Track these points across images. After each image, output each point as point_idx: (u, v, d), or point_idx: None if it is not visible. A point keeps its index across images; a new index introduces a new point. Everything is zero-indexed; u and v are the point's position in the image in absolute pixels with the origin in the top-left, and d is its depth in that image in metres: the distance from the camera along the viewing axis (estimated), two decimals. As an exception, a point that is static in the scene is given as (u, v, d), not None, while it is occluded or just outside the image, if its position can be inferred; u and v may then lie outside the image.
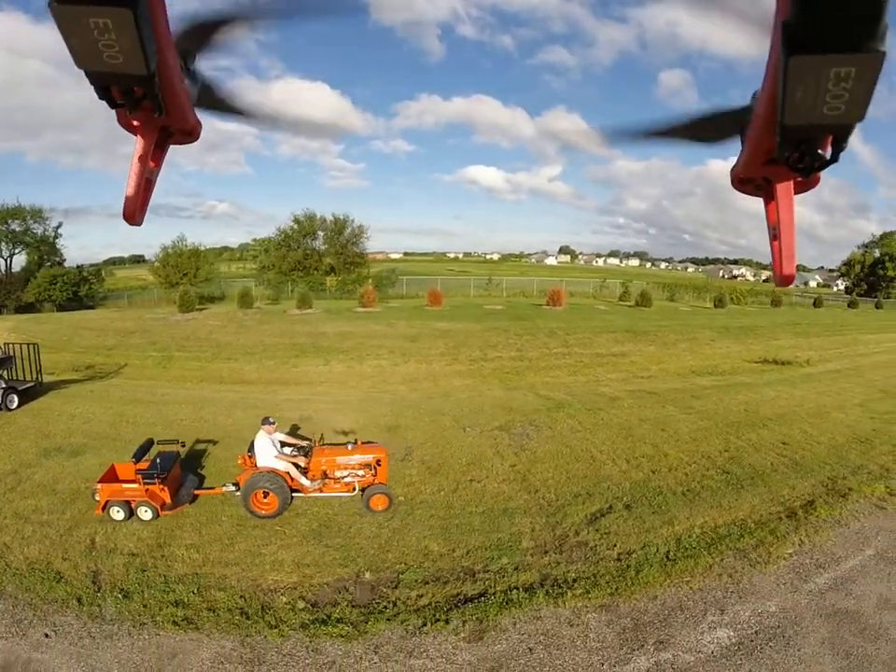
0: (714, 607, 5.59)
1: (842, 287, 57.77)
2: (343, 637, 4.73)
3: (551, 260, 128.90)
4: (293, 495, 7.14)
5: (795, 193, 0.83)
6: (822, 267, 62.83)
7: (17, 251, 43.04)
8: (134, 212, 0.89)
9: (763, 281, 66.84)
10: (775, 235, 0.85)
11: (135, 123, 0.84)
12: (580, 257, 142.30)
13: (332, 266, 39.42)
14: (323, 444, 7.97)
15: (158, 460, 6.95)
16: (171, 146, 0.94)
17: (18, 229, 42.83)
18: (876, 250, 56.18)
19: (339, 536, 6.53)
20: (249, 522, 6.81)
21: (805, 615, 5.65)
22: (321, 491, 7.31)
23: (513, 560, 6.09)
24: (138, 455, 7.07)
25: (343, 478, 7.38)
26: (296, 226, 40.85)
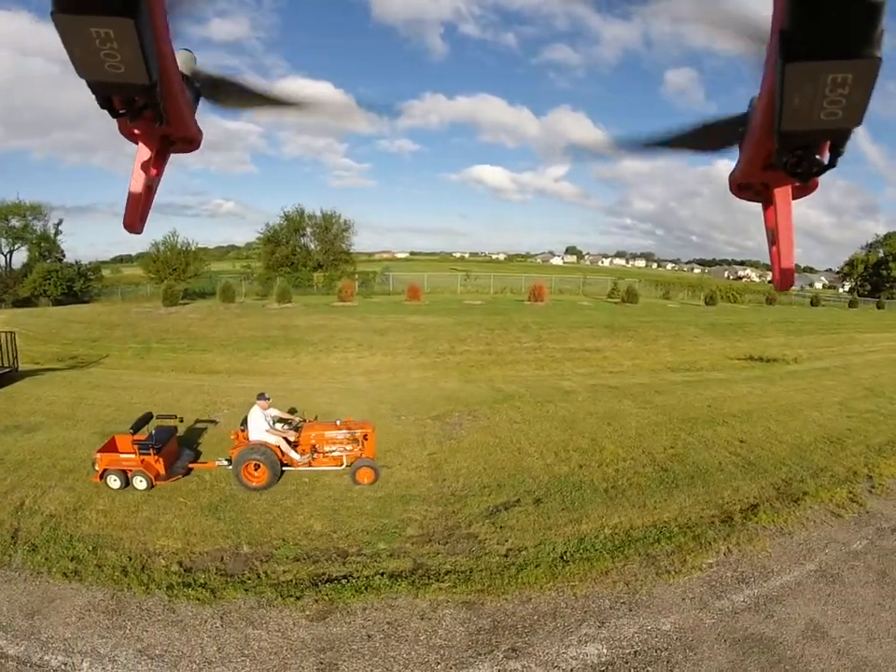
0: (594, 618, 4.82)
1: (847, 289, 55.98)
2: (199, 600, 4.87)
3: (556, 261, 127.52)
4: (283, 468, 7.28)
5: (794, 198, 0.83)
6: (830, 269, 60.80)
7: (17, 247, 43.65)
8: (135, 220, 0.89)
9: (768, 282, 65.06)
10: (773, 240, 0.85)
11: (136, 132, 0.84)
12: (586, 257, 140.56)
13: (320, 262, 38.80)
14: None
15: (154, 433, 7.28)
16: (172, 154, 0.93)
17: (18, 225, 43.41)
18: (881, 250, 54.55)
19: (233, 510, 6.53)
20: (158, 492, 6.93)
21: (705, 638, 4.63)
22: (310, 465, 7.44)
23: (391, 546, 5.81)
24: (136, 427, 7.23)
25: (331, 452, 7.52)
26: (285, 222, 40.41)
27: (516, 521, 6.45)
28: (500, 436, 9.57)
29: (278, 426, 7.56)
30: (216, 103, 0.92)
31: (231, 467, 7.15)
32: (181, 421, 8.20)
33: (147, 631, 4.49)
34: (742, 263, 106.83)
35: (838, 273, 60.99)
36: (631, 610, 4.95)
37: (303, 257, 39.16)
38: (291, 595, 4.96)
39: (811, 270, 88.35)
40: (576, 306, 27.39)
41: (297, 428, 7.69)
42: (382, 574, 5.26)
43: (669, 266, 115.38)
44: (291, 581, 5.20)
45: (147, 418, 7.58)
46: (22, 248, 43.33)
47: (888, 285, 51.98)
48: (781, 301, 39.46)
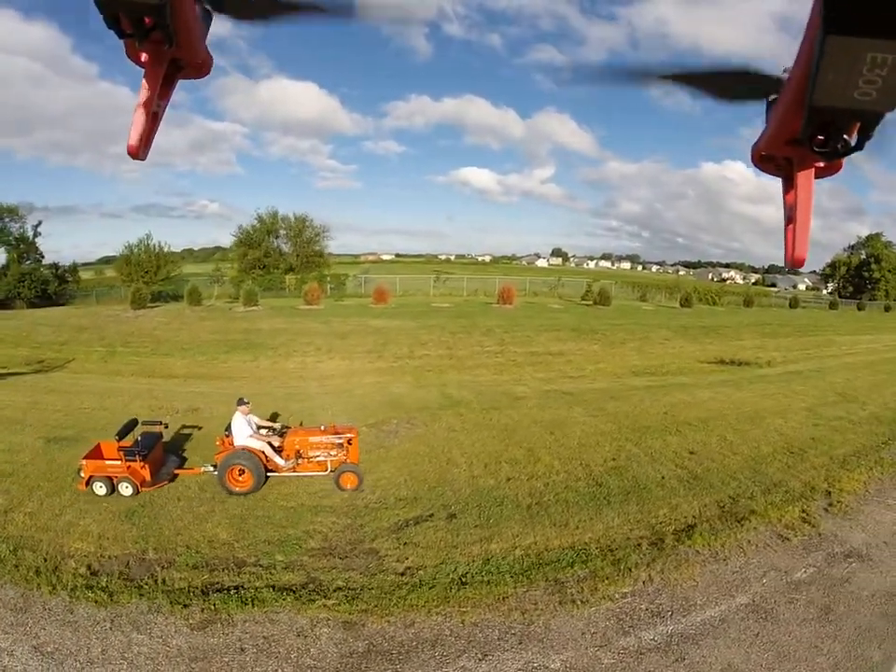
0: (477, 649, 4.36)
1: (829, 291, 55.78)
2: (97, 602, 4.89)
3: (542, 263, 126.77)
4: (268, 474, 7.26)
5: (816, 178, 0.79)
6: (814, 271, 60.60)
7: None
8: (139, 146, 0.85)
9: (753, 284, 64.99)
10: (790, 218, 0.81)
11: (144, 56, 0.80)
12: (571, 259, 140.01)
13: (292, 265, 37.83)
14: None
15: (140, 439, 7.17)
16: (181, 80, 0.89)
17: None
18: (863, 252, 54.20)
19: (148, 516, 6.44)
20: (83, 497, 6.80)
21: None
22: (295, 470, 7.40)
23: (288, 558, 5.60)
24: (121, 434, 7.12)
25: (316, 457, 7.45)
26: (258, 224, 39.47)
27: (423, 537, 6.01)
28: (433, 445, 8.94)
29: (262, 431, 7.57)
30: (230, 13, 0.84)
31: (216, 472, 7.09)
32: (166, 427, 8.14)
33: (44, 629, 4.55)
34: (728, 265, 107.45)
35: (820, 274, 60.85)
36: (521, 643, 4.43)
37: (276, 259, 38.13)
38: (180, 603, 4.88)
39: (795, 272, 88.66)
40: (546, 309, 26.62)
41: (281, 434, 7.63)
42: (272, 587, 5.08)
43: (654, 268, 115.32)
44: (184, 588, 5.09)
45: (132, 425, 7.43)
46: None
47: (869, 286, 51.65)
48: (761, 303, 39.15)
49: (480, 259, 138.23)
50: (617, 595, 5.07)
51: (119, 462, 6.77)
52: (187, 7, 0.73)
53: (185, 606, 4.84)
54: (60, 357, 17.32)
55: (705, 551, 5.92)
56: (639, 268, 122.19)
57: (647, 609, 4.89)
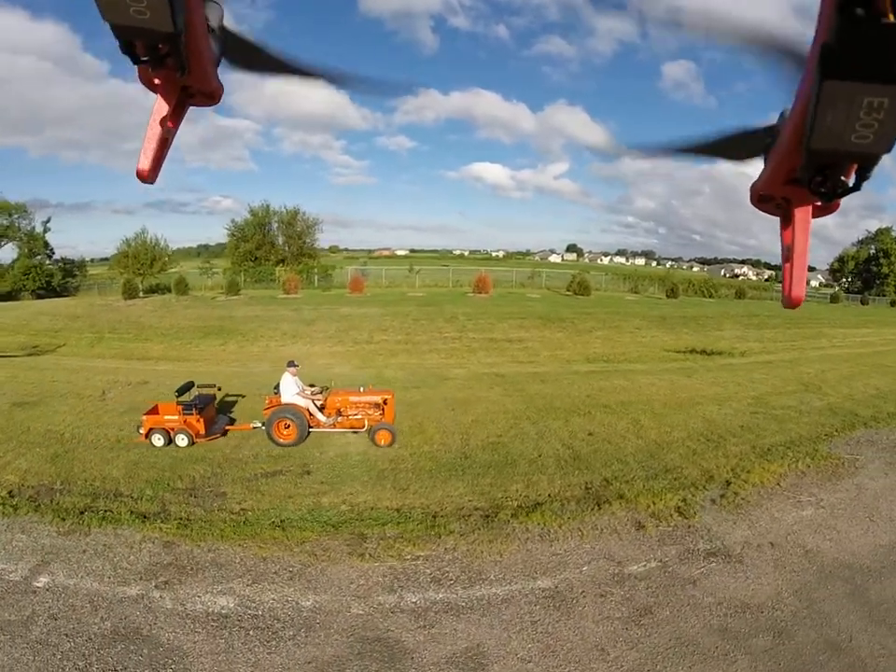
0: (252, 577, 4.76)
1: (839, 286, 53.27)
2: (3, 514, 5.81)
3: (555, 258, 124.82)
4: (310, 429, 7.80)
5: (813, 217, 0.82)
6: (829, 267, 57.90)
7: (2, 244, 44.10)
8: (148, 170, 0.86)
9: (766, 280, 62.59)
10: (787, 257, 0.83)
11: (157, 81, 0.82)
12: (586, 255, 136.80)
13: (283, 257, 37.86)
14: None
15: (197, 397, 8.00)
16: (190, 107, 0.91)
17: (4, 223, 43.97)
18: (872, 246, 51.32)
19: (68, 459, 7.25)
20: (26, 443, 7.77)
21: (330, 624, 4.05)
22: (335, 427, 7.93)
23: (155, 493, 6.27)
24: (179, 392, 7.84)
25: (354, 415, 7.93)
26: (250, 217, 39.65)
27: (269, 487, 6.44)
28: None
29: (308, 391, 8.06)
30: (236, 64, 0.89)
31: (264, 428, 7.69)
32: (219, 390, 8.97)
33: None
34: (744, 262, 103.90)
35: (829, 269, 58.24)
36: (290, 580, 4.71)
37: (267, 251, 38.20)
38: (60, 518, 5.74)
39: (811, 269, 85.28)
40: (522, 298, 25.97)
41: (322, 393, 8.21)
42: (132, 512, 5.82)
43: (669, 264, 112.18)
44: (69, 508, 5.93)
45: (188, 386, 8.13)
46: (7, 245, 43.95)
47: (878, 281, 49.28)
48: (760, 296, 37.51)
49: (494, 254, 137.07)
50: (409, 557, 5.01)
51: (176, 416, 7.54)
52: (200, 38, 0.76)
53: (62, 519, 5.73)
54: (53, 343, 18.38)
55: (536, 529, 5.46)
56: (654, 264, 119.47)
57: (429, 574, 4.74)
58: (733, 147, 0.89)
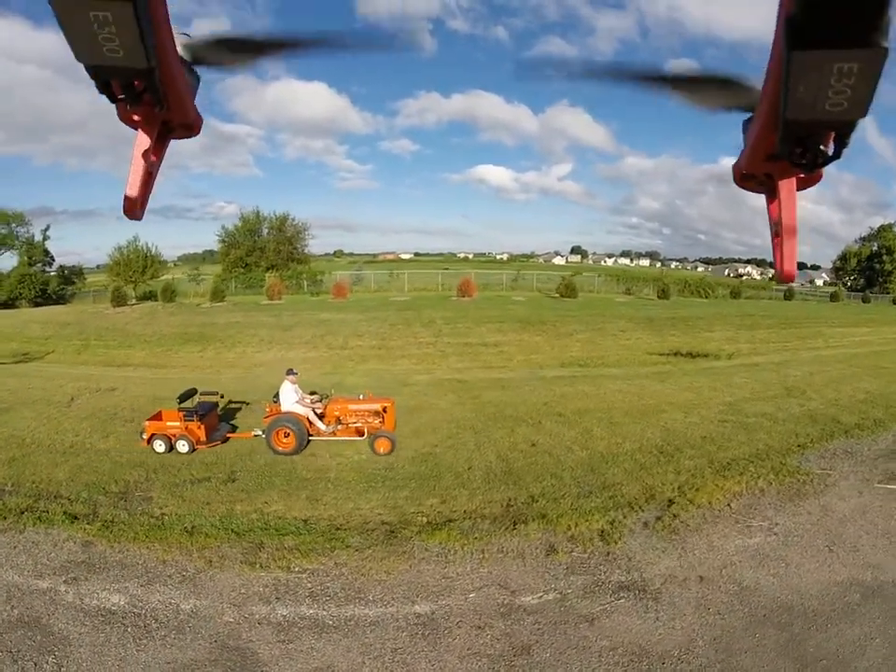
0: (147, 578, 4.87)
1: (842, 284, 52.01)
2: None
3: (559, 260, 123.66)
4: (310, 438, 7.76)
5: (798, 189, 0.81)
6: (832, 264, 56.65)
7: (1, 252, 44.81)
8: (135, 207, 0.86)
9: (769, 279, 61.26)
10: (776, 232, 0.83)
11: (136, 118, 0.82)
12: (590, 257, 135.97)
13: (273, 263, 37.59)
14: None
15: (198, 404, 8.03)
16: (171, 140, 0.91)
17: (3, 231, 44.54)
18: (874, 243, 50.14)
19: (21, 463, 7.44)
20: None
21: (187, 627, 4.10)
22: (335, 435, 7.87)
23: (91, 496, 6.43)
24: (181, 399, 7.89)
25: (354, 423, 7.90)
26: (240, 223, 39.51)
27: (193, 493, 6.49)
28: None
29: (307, 399, 8.06)
30: (216, 65, 0.86)
31: (265, 436, 7.65)
32: (222, 397, 9.00)
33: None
34: (748, 262, 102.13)
35: (832, 267, 56.92)
36: (181, 583, 4.77)
37: (257, 258, 37.97)
38: (2, 516, 5.92)
39: (816, 267, 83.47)
40: (506, 301, 25.20)
41: (322, 401, 8.21)
42: (66, 513, 5.99)
43: (674, 265, 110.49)
44: (12, 508, 6.10)
45: (191, 392, 8.19)
46: (6, 254, 44.70)
47: (881, 279, 48.16)
48: (758, 295, 36.42)
49: (498, 256, 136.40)
50: (297, 569, 4.93)
51: (177, 423, 7.61)
52: (175, 71, 0.75)
53: (4, 518, 5.90)
54: (42, 350, 18.68)
55: (436, 549, 5.07)
56: (658, 265, 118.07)
57: (309, 589, 4.65)
58: (708, 90, 0.84)
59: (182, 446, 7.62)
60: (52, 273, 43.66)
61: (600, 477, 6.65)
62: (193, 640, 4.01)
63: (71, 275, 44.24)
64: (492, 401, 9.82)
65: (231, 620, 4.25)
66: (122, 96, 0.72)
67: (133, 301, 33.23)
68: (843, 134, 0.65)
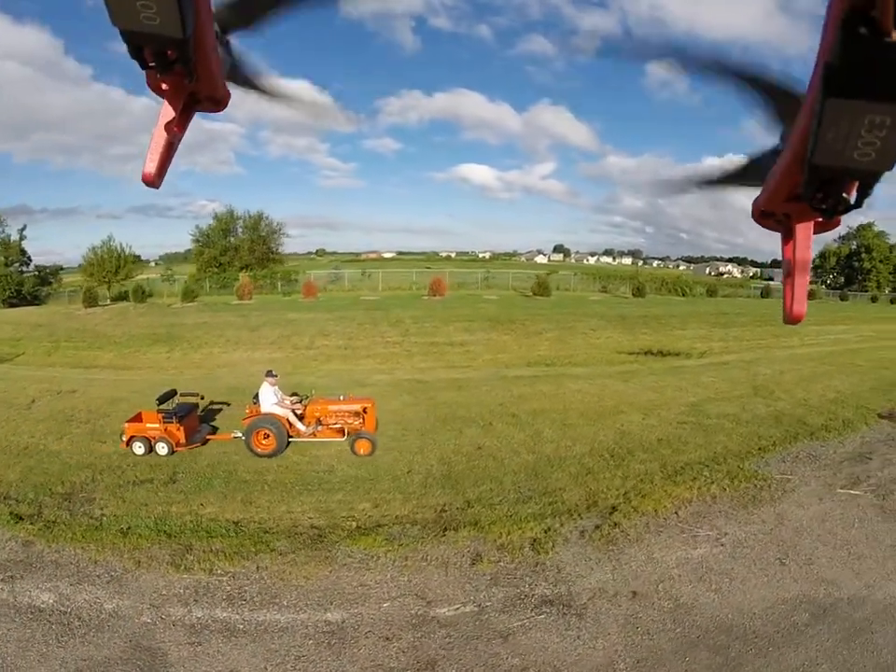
0: (76, 578, 4.89)
1: (823, 282, 52.87)
2: None
3: (541, 259, 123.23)
4: (290, 439, 7.70)
5: (815, 233, 0.80)
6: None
7: None
8: (154, 175, 0.84)
9: (750, 277, 61.95)
10: (788, 272, 0.81)
11: (164, 87, 0.80)
12: (572, 255, 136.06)
13: (247, 262, 36.85)
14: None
15: (178, 406, 7.98)
16: (197, 112, 0.88)
17: None
18: (853, 242, 50.80)
19: None
20: None
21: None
22: (315, 436, 7.81)
23: (37, 497, 6.43)
24: (161, 400, 7.86)
25: (334, 424, 7.86)
26: (214, 223, 38.69)
27: (134, 495, 6.46)
28: (227, 424, 8.76)
29: (287, 401, 8.00)
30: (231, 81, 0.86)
31: (245, 438, 7.56)
32: (202, 399, 8.91)
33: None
34: (730, 260, 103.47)
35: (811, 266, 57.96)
36: (108, 583, 4.79)
37: (231, 257, 37.18)
38: None
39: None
40: (477, 300, 24.93)
41: (302, 402, 8.15)
42: (11, 513, 6.00)
43: (656, 263, 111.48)
44: None
45: (171, 394, 8.15)
46: None
47: (860, 277, 48.73)
48: (736, 293, 36.56)
49: (481, 255, 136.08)
50: (219, 572, 4.91)
51: (157, 425, 7.49)
52: (209, 44, 0.74)
53: None
54: (12, 352, 18.31)
55: (360, 555, 4.91)
56: (640, 263, 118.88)
57: (227, 592, 4.64)
58: (747, 174, 0.84)
59: (161, 448, 7.50)
60: (29, 274, 43.06)
61: (542, 482, 6.29)
62: (110, 639, 4.08)
63: (48, 275, 42.94)
64: (446, 402, 9.46)
65: (149, 620, 4.30)
66: (153, 64, 0.70)
67: (108, 301, 32.85)
68: (867, 184, 0.63)
